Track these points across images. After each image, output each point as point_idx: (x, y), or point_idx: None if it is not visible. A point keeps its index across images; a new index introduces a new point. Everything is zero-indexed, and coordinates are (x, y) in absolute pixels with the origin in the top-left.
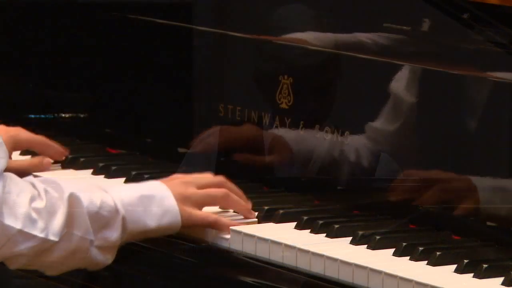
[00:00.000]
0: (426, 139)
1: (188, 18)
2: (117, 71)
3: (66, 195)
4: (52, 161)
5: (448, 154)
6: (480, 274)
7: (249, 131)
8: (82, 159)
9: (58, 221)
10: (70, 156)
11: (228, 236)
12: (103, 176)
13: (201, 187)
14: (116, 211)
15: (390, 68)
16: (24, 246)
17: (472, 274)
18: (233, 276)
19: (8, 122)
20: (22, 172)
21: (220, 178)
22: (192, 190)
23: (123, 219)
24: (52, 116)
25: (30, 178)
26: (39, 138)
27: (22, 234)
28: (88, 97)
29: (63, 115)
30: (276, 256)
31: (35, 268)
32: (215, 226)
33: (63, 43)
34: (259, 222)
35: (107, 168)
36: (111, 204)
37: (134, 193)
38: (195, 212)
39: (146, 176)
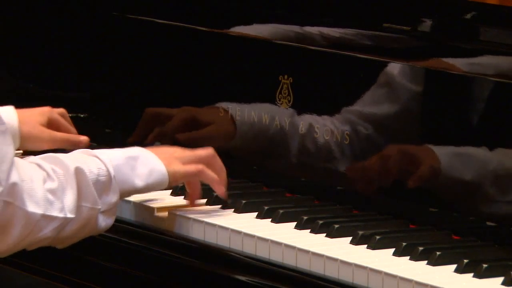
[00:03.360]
0: (427, 140)
1: (188, 18)
2: (117, 71)
3: (71, 170)
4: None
5: (447, 154)
6: (480, 274)
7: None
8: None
9: (70, 197)
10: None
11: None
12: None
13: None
14: (109, 174)
15: (391, 68)
16: (47, 230)
17: (472, 274)
18: (232, 276)
19: None
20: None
21: (209, 149)
22: (178, 153)
23: (114, 179)
24: None
25: (32, 158)
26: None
27: (45, 218)
28: (88, 97)
29: None
30: (276, 256)
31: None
32: (200, 176)
33: (63, 42)
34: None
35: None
36: (105, 168)
37: (121, 155)
38: (179, 167)
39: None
